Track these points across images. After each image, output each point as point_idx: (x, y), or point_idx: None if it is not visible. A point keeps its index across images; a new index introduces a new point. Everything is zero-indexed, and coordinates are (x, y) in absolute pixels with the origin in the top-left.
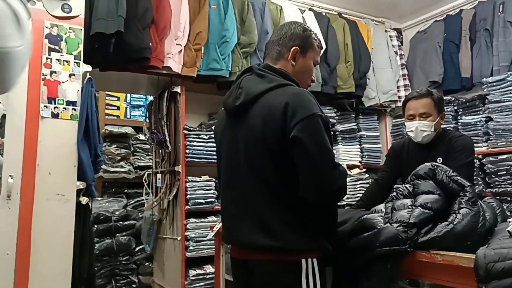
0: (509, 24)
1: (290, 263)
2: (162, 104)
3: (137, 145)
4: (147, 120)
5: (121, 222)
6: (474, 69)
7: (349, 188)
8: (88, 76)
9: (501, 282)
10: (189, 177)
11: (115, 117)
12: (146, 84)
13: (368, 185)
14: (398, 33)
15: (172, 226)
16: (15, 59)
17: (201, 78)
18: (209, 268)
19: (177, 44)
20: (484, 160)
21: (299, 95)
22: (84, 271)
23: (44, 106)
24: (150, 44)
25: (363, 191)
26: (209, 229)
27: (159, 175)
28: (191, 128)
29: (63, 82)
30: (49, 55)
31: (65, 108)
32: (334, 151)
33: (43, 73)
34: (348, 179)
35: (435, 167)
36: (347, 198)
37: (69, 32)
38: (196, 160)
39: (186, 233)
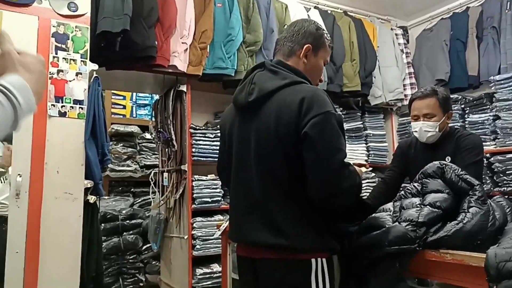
0: None
1: (299, 262)
2: (168, 103)
3: (143, 144)
4: (153, 119)
5: (128, 221)
6: (481, 67)
7: None
8: (94, 74)
9: None
10: (195, 176)
11: (121, 116)
12: (152, 83)
13: (374, 184)
14: (404, 31)
15: (178, 225)
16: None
17: (207, 76)
18: (216, 267)
19: (182, 43)
20: (492, 159)
21: (314, 92)
22: (92, 269)
23: (52, 104)
24: (156, 42)
25: (369, 190)
26: (215, 227)
27: (165, 174)
28: (197, 127)
29: (70, 81)
30: (56, 53)
31: (72, 107)
32: None
33: (50, 72)
34: None
35: (444, 165)
36: None
37: (75, 30)
38: (202, 159)
39: (193, 232)
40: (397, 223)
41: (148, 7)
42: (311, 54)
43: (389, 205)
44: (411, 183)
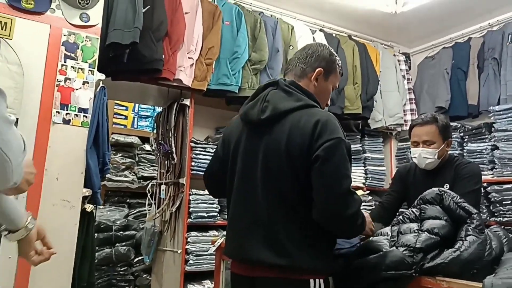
0: None
1: (298, 282)
2: (171, 116)
3: (142, 155)
4: (155, 131)
5: (121, 232)
6: (481, 97)
7: None
8: (101, 84)
9: None
10: (193, 190)
11: (122, 126)
12: (156, 95)
13: (371, 208)
14: (406, 58)
15: (173, 239)
16: None
17: (211, 92)
18: (208, 284)
19: (189, 58)
20: (489, 188)
21: (327, 118)
22: (83, 279)
23: (57, 111)
24: (163, 56)
25: None
26: (210, 243)
27: (163, 186)
28: (198, 141)
29: (76, 89)
30: (65, 62)
31: (76, 115)
32: None
33: (57, 79)
34: None
35: (443, 192)
36: None
37: (85, 40)
38: (201, 173)
39: (187, 247)
40: (394, 247)
41: (158, 21)
42: (322, 78)
43: (387, 229)
44: (410, 208)
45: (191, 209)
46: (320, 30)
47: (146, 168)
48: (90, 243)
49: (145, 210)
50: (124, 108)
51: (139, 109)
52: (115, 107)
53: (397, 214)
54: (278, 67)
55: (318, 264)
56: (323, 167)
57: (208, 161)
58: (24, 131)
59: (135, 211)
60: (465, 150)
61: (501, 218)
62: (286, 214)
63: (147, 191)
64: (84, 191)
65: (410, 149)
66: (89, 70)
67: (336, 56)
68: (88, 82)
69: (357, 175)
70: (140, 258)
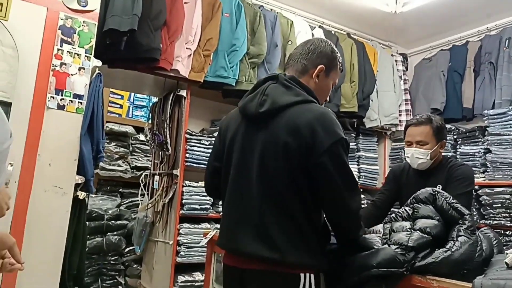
0: None
1: (289, 275)
2: (167, 106)
3: (136, 145)
4: (150, 121)
5: (113, 221)
6: (476, 100)
7: None
8: (97, 71)
9: None
10: (186, 182)
11: (117, 115)
12: (152, 85)
13: (363, 206)
14: (403, 58)
15: (164, 230)
16: None
17: (208, 84)
18: (198, 276)
19: (187, 48)
20: (480, 191)
21: (326, 115)
22: (74, 267)
23: (51, 96)
24: (161, 45)
25: None
26: (202, 235)
27: (156, 177)
28: (193, 133)
29: (72, 75)
30: (61, 46)
31: (71, 101)
32: None
33: (53, 64)
34: None
35: (436, 192)
36: None
37: (83, 25)
38: (195, 165)
39: (178, 238)
40: (386, 245)
41: (156, 9)
42: (323, 75)
43: (379, 227)
44: (402, 207)
45: (184, 201)
46: (320, 26)
47: (140, 158)
48: (81, 231)
49: (138, 200)
50: (119, 97)
51: (135, 98)
52: (110, 95)
53: (389, 213)
54: (276, 62)
55: (308, 259)
56: (330, 178)
57: (202, 153)
58: (17, 116)
59: (127, 201)
60: (458, 153)
61: (491, 221)
62: (279, 208)
63: (140, 181)
64: (77, 178)
65: (404, 149)
66: (85, 56)
67: (337, 53)
68: (84, 68)
69: None
70: (131, 248)
